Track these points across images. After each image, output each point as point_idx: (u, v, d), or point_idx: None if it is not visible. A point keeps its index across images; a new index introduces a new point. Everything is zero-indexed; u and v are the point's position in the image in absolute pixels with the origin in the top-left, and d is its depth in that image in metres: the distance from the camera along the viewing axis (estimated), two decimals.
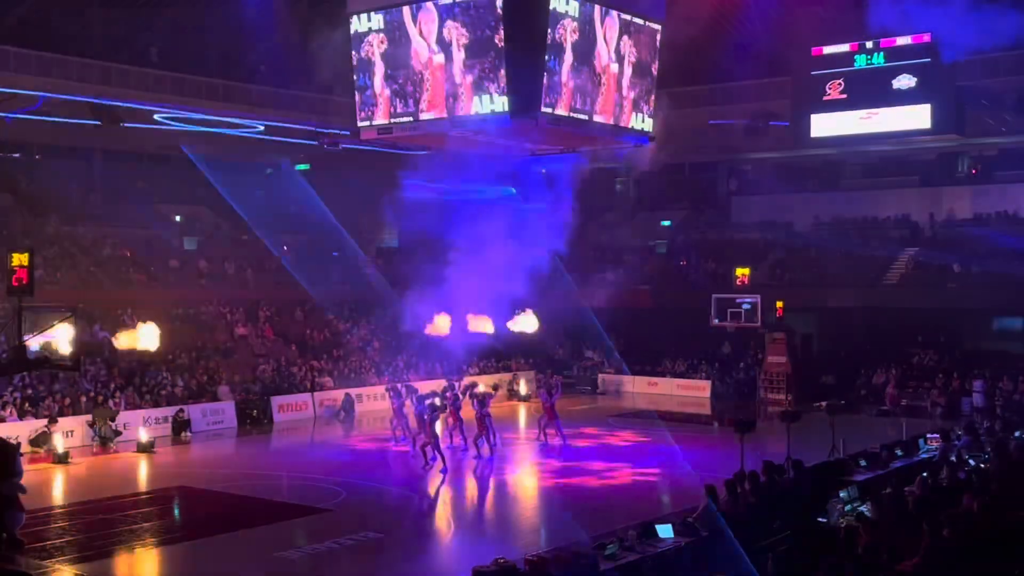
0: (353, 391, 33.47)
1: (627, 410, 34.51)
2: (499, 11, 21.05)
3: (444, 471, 23.03)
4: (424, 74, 22.45)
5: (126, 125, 35.29)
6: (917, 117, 37.30)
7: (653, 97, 24.99)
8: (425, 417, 23.53)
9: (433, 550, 17.96)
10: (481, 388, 26.90)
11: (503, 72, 21.25)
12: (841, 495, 15.06)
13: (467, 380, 29.38)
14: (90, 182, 41.14)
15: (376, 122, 23.77)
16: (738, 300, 36.61)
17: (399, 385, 28.02)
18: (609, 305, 36.08)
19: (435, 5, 22.04)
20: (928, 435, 20.91)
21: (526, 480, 23.45)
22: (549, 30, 21.29)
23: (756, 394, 36.23)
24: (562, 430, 26.93)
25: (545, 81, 21.45)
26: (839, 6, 36.13)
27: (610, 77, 23.28)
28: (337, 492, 21.38)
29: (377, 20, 23.18)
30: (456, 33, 21.84)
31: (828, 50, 38.74)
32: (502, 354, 38.37)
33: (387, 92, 23.21)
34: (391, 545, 17.71)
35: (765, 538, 13.67)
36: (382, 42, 23.11)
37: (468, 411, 26.20)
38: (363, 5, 23.37)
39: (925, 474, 15.40)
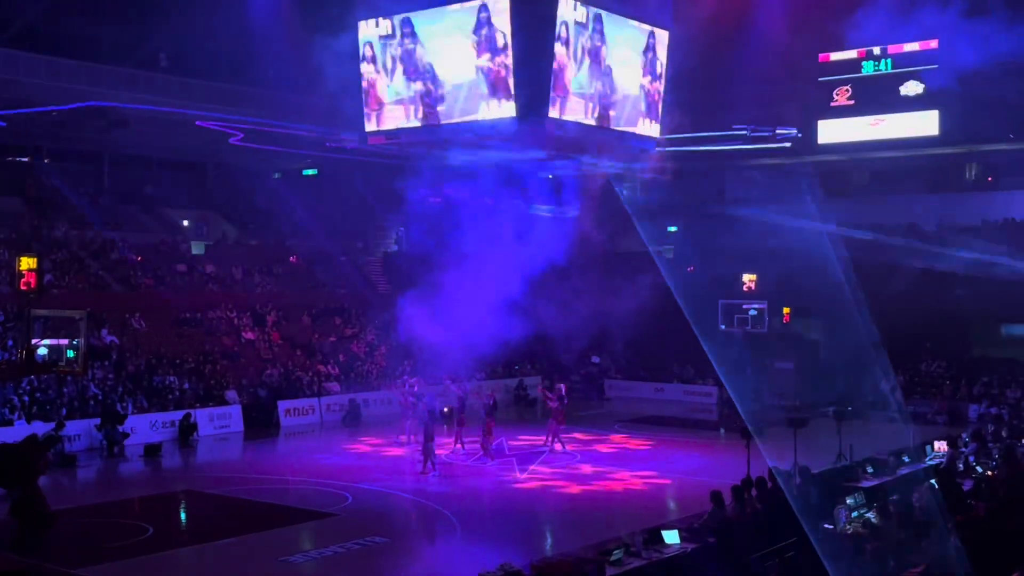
0: (359, 396, 33.52)
1: (633, 416, 34.47)
2: (507, 18, 21.09)
3: (435, 474, 23.24)
4: (431, 79, 22.51)
5: (134, 129, 35.47)
6: (924, 124, 37.23)
7: (660, 103, 25.02)
8: (426, 419, 23.76)
9: (439, 555, 17.96)
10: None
11: (511, 78, 21.30)
12: (848, 501, 15.03)
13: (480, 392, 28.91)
14: (99, 186, 41.31)
15: (384, 128, 23.85)
16: (745, 306, 36.58)
17: (416, 389, 27.91)
18: (615, 310, 36.03)
19: (443, 11, 22.11)
20: (935, 442, 20.85)
21: (532, 485, 23.40)
22: (557, 36, 21.35)
23: (763, 400, 36.13)
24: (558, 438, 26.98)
25: (552, 87, 21.49)
26: (847, 12, 36.07)
27: (617, 83, 23.32)
28: (343, 497, 21.40)
29: (385, 26, 23.26)
30: (464, 39, 21.89)
31: (835, 56, 38.70)
32: (508, 359, 38.33)
33: (395, 98, 23.27)
34: (397, 550, 17.72)
35: (771, 545, 13.65)
36: (390, 48, 23.18)
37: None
38: (372, 11, 23.45)
39: (933, 481, 15.36)
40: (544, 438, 27.43)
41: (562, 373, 40.21)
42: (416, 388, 27.80)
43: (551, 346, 38.41)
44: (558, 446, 26.81)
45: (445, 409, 27.42)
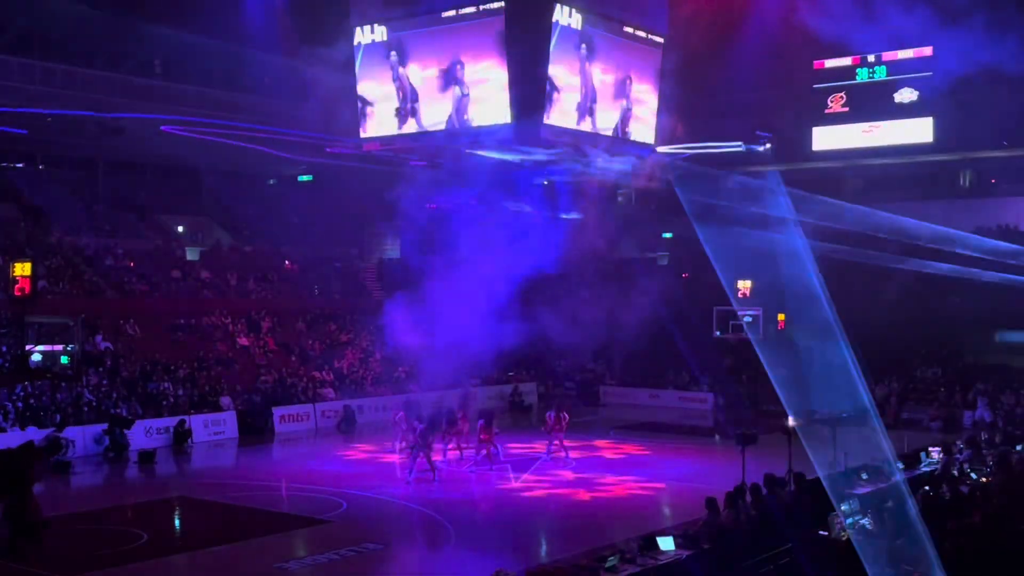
0: (354, 402, 33.48)
1: (629, 422, 34.46)
2: (503, 24, 21.15)
3: (419, 480, 23.15)
4: (428, 85, 22.54)
5: (129, 136, 35.41)
6: (918, 130, 37.33)
7: (655, 109, 25.09)
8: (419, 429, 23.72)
9: (434, 562, 17.93)
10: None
11: (506, 84, 21.34)
12: (843, 508, 15.02)
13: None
14: (93, 193, 41.25)
15: (379, 133, 23.88)
16: (740, 312, 36.59)
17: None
18: (611, 317, 36.04)
19: (439, 17, 22.16)
20: (930, 448, 20.86)
21: (527, 492, 23.40)
22: (552, 43, 21.40)
23: (758, 407, 36.12)
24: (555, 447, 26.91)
25: (548, 93, 21.54)
26: (842, 19, 36.22)
27: (612, 89, 23.37)
28: (337, 503, 21.37)
29: (381, 32, 23.31)
30: (460, 45, 21.94)
31: (830, 63, 38.82)
32: (503, 366, 38.33)
33: (390, 103, 23.30)
34: (391, 557, 17.71)
35: (766, 551, 13.66)
36: (386, 54, 23.22)
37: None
38: (367, 17, 23.49)
39: (927, 488, 15.36)
40: (546, 445, 27.26)
41: (556, 379, 40.30)
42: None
43: (546, 352, 38.47)
44: (560, 453, 26.61)
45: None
